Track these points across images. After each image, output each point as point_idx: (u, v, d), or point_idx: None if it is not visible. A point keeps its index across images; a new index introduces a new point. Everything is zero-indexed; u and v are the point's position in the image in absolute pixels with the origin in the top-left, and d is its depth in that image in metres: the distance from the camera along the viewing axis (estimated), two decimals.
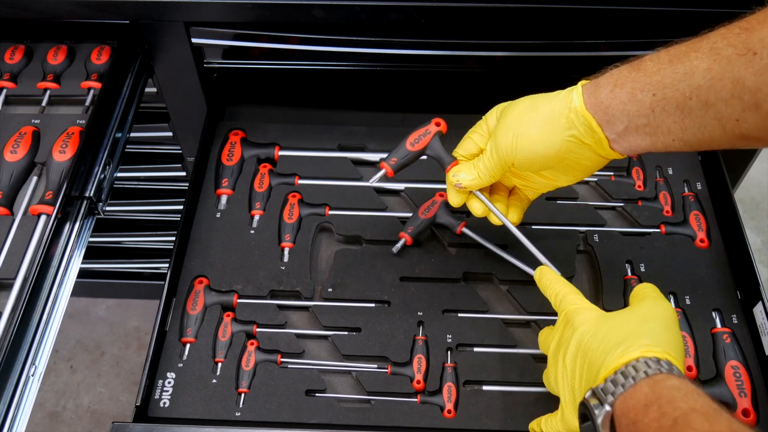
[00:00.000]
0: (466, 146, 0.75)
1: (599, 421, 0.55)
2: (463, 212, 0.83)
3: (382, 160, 0.79)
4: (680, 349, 0.59)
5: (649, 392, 0.53)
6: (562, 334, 0.66)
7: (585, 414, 0.57)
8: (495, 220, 0.77)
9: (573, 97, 0.67)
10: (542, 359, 0.80)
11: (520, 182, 0.77)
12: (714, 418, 0.49)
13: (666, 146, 0.63)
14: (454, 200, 0.77)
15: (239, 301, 0.84)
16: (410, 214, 0.91)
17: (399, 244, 0.86)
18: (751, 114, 0.56)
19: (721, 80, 0.57)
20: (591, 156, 0.68)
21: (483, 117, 0.74)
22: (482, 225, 0.81)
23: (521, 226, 0.90)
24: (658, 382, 0.53)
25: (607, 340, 0.60)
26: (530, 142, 0.68)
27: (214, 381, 0.78)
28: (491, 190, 0.78)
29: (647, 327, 0.60)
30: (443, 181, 0.94)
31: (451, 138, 0.98)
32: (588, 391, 0.57)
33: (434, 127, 0.78)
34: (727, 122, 0.57)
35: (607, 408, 0.55)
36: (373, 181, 0.80)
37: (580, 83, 0.68)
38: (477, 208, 0.77)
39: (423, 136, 0.78)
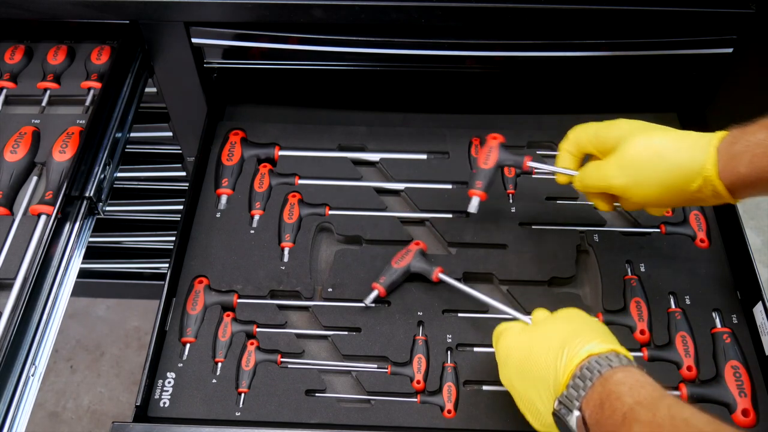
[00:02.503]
0: (572, 144, 0.75)
1: (573, 425, 0.57)
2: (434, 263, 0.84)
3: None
4: (610, 335, 0.63)
5: (601, 391, 0.55)
6: (498, 362, 0.69)
7: (559, 421, 0.59)
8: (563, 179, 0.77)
9: (706, 162, 0.64)
10: None
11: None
12: (655, 406, 0.51)
13: None
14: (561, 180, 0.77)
15: (239, 301, 0.84)
16: (410, 214, 0.91)
17: (372, 296, 0.82)
18: None
19: None
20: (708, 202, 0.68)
21: (603, 123, 0.72)
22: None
23: (520, 231, 0.90)
24: (607, 379, 0.55)
25: (545, 351, 0.61)
26: (648, 195, 0.68)
27: (214, 381, 0.78)
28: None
29: (574, 328, 0.62)
30: (443, 181, 0.95)
31: (452, 138, 0.99)
32: (555, 402, 0.59)
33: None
34: None
35: (576, 413, 0.57)
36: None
37: (713, 140, 0.65)
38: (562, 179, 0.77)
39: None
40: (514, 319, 0.74)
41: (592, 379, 0.56)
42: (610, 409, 0.53)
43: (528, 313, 0.73)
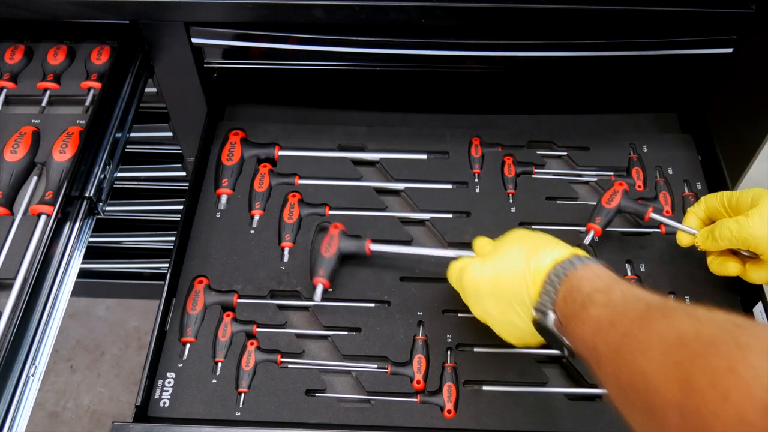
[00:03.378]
0: (701, 208, 0.80)
1: (552, 326, 0.63)
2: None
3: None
4: (563, 242, 0.69)
5: (566, 289, 0.62)
6: (467, 300, 0.74)
7: (541, 328, 0.65)
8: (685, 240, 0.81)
9: None
10: (542, 359, 0.81)
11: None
12: (610, 290, 0.57)
13: None
14: (683, 240, 0.82)
15: (239, 301, 0.84)
16: (410, 214, 0.91)
17: (318, 291, 0.82)
18: None
19: None
20: None
21: (733, 194, 0.77)
22: None
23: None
24: (570, 278, 0.62)
25: (513, 271, 0.67)
26: None
27: (214, 381, 0.78)
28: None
29: (532, 244, 0.68)
30: (443, 181, 0.95)
31: (452, 138, 0.99)
32: (533, 312, 0.65)
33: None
34: None
35: (552, 315, 0.63)
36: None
37: None
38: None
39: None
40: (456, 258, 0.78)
41: (560, 282, 0.62)
42: (571, 301, 0.60)
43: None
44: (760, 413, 0.38)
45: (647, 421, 0.48)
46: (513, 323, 0.69)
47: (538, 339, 0.68)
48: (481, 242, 0.76)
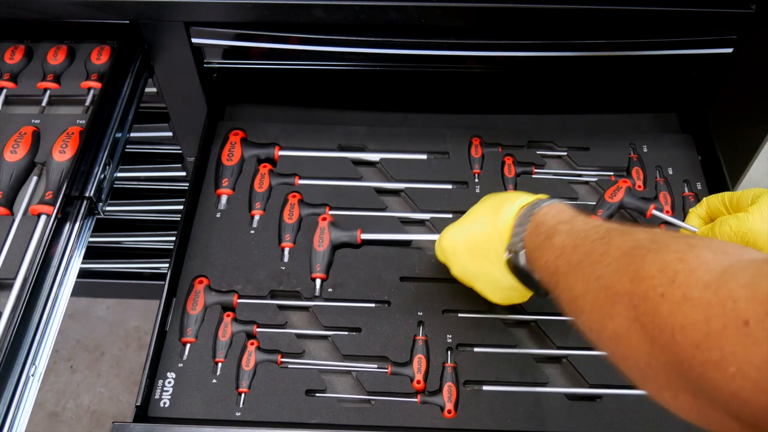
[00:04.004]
0: (702, 207, 0.81)
1: (523, 261, 0.66)
2: None
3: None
4: (527, 192, 0.71)
5: (532, 226, 0.65)
6: (448, 263, 0.78)
7: (514, 267, 0.68)
8: None
9: None
10: (542, 359, 0.81)
11: None
12: (573, 219, 0.61)
13: None
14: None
15: (239, 301, 0.84)
16: (410, 214, 0.90)
17: (318, 287, 0.85)
18: None
19: None
20: None
21: (734, 194, 0.78)
22: None
23: None
24: (536, 216, 0.65)
25: (484, 225, 0.71)
26: None
27: (214, 381, 0.78)
28: None
29: (500, 198, 0.72)
30: (443, 181, 0.95)
31: (452, 138, 0.99)
32: (506, 253, 0.68)
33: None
34: None
35: (522, 252, 0.66)
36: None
37: None
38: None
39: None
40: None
41: (527, 221, 0.65)
42: (536, 234, 0.63)
43: None
44: (702, 289, 0.40)
45: (598, 318, 0.50)
46: (492, 276, 0.72)
47: (521, 293, 0.71)
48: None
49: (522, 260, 0.66)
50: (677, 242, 0.46)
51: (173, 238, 0.87)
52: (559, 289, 0.57)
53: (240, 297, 0.84)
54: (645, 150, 0.98)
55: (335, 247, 0.88)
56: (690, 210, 0.83)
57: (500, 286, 0.74)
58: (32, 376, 0.69)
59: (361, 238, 0.88)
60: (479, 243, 0.72)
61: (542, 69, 0.98)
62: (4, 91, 0.91)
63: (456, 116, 1.04)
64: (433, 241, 0.83)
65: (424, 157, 0.98)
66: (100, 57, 0.93)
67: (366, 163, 0.98)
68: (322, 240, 0.87)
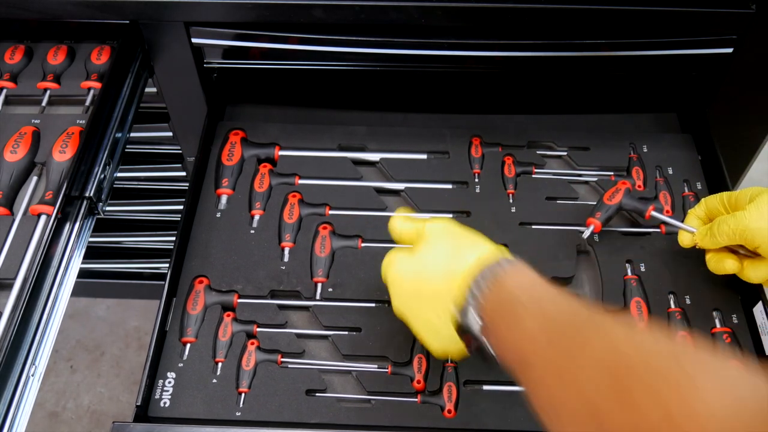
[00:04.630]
0: (701, 208, 0.81)
1: (475, 327, 0.62)
2: None
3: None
4: (488, 240, 0.67)
5: (492, 293, 0.61)
6: (390, 293, 0.71)
7: (461, 328, 0.65)
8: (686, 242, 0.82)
9: None
10: None
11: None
12: (539, 300, 0.58)
13: None
14: (685, 241, 0.82)
15: (239, 301, 0.84)
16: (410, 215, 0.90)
17: (318, 293, 0.85)
18: None
19: None
20: None
21: (732, 193, 0.78)
22: None
23: (520, 231, 0.90)
24: (498, 280, 0.61)
25: (436, 270, 0.66)
26: None
27: (215, 381, 0.78)
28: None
29: (458, 243, 0.67)
30: (443, 181, 0.95)
31: (452, 138, 0.99)
32: (457, 314, 0.64)
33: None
34: None
35: (477, 320, 0.62)
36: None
37: None
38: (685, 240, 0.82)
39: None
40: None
41: (487, 286, 0.61)
42: (499, 304, 0.60)
43: None
44: None
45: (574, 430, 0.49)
46: (432, 324, 0.67)
47: (459, 347, 0.67)
48: (401, 223, 0.73)
49: (473, 324, 0.62)
50: (671, 367, 0.45)
51: (173, 238, 0.87)
52: (530, 382, 0.55)
53: (240, 297, 0.84)
54: (645, 150, 0.98)
55: (336, 251, 0.88)
56: (689, 211, 0.83)
57: (440, 336, 0.68)
58: (32, 376, 0.69)
59: (361, 246, 0.88)
60: (427, 288, 0.67)
61: (542, 69, 0.98)
62: (4, 91, 0.91)
63: (456, 116, 1.04)
64: None
65: (424, 156, 0.98)
66: (100, 57, 0.93)
67: (366, 163, 0.98)
68: (324, 247, 0.88)
